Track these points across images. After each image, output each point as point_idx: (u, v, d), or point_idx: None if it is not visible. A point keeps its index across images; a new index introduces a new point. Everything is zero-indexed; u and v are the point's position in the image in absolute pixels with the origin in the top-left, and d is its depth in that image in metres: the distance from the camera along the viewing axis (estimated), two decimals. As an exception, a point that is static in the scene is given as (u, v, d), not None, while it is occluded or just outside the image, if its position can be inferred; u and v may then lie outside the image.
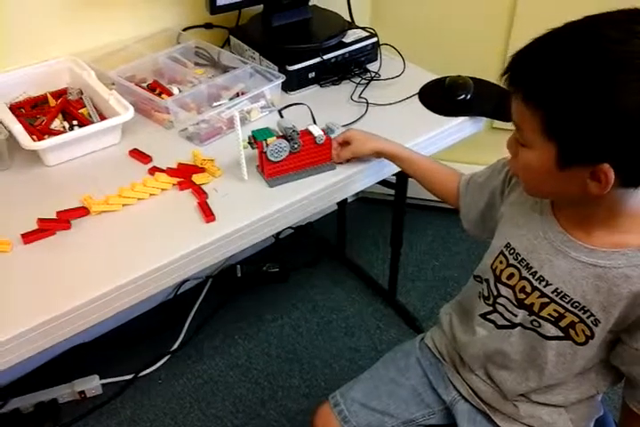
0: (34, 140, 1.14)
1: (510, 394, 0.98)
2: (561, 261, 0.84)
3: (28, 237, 1.01)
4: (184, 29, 1.48)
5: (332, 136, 1.16)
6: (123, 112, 1.19)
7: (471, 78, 1.36)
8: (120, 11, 1.39)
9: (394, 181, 1.62)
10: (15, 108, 1.25)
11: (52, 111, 1.25)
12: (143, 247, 1.01)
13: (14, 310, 0.91)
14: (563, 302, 0.85)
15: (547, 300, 0.87)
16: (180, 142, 1.25)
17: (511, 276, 0.91)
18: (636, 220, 0.79)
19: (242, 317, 1.92)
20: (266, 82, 1.31)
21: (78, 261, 0.99)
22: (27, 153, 1.16)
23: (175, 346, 1.82)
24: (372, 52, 1.47)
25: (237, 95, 1.31)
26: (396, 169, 1.28)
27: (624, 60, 0.66)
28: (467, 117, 1.33)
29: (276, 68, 1.37)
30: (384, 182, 1.46)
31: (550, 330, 0.88)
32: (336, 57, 1.41)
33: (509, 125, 0.83)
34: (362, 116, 1.31)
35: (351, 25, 1.51)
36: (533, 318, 0.89)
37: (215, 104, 1.28)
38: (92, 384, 1.67)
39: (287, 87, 1.38)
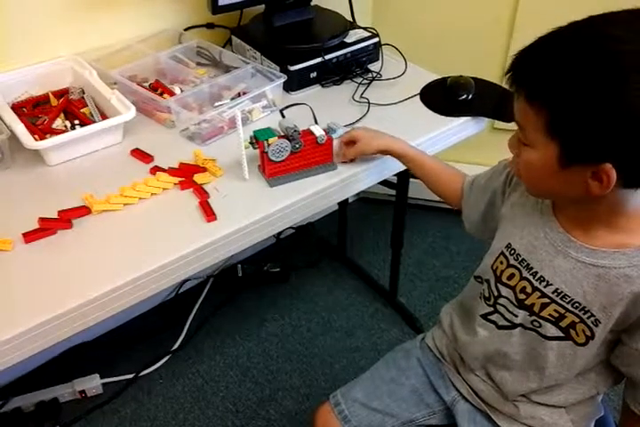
0: (36, 140, 1.14)
1: (511, 394, 0.98)
2: (561, 262, 0.84)
3: (30, 237, 1.01)
4: (186, 29, 1.49)
5: (334, 136, 1.16)
6: (124, 112, 1.19)
7: (473, 78, 1.36)
8: (122, 10, 1.40)
9: (395, 182, 1.62)
10: (17, 108, 1.26)
11: (53, 111, 1.26)
12: (144, 247, 1.01)
13: (15, 310, 0.91)
14: (563, 303, 0.85)
15: (547, 300, 0.87)
16: (182, 142, 1.26)
17: (512, 276, 0.91)
18: (637, 220, 0.79)
19: (242, 316, 1.92)
20: (267, 82, 1.31)
21: (79, 261, 0.99)
22: (28, 152, 1.16)
23: (176, 346, 1.82)
24: (373, 53, 1.47)
25: (239, 95, 1.31)
26: (397, 169, 1.28)
27: (630, 60, 0.65)
28: (468, 118, 1.33)
29: (278, 68, 1.37)
30: (385, 182, 1.46)
31: (551, 330, 0.88)
32: (338, 57, 1.41)
33: (511, 126, 0.83)
34: (363, 116, 1.31)
35: (353, 25, 1.51)
36: (534, 318, 0.89)
37: (217, 104, 1.28)
38: (92, 384, 1.67)
39: (289, 87, 1.38)
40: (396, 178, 1.57)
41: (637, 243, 0.78)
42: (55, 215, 1.05)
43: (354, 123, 1.29)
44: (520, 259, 0.90)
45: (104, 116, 1.25)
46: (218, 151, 1.21)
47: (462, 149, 1.43)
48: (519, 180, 0.92)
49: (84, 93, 1.31)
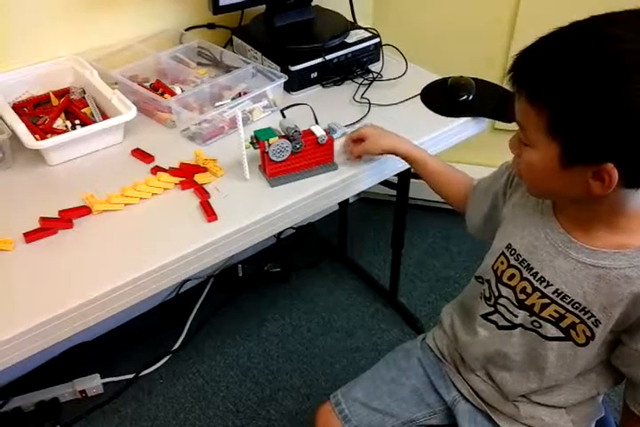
0: (36, 140, 1.14)
1: (511, 395, 0.98)
2: (562, 262, 0.84)
3: (30, 236, 1.01)
4: (187, 29, 1.49)
5: (334, 136, 1.16)
6: (125, 112, 1.19)
7: (473, 79, 1.36)
8: (123, 10, 1.40)
9: (395, 182, 1.62)
10: (18, 108, 1.26)
11: (54, 110, 1.26)
12: (145, 247, 1.01)
13: (15, 309, 0.91)
14: (563, 303, 0.85)
15: (547, 300, 0.87)
16: (183, 142, 1.26)
17: (512, 276, 0.91)
18: (637, 220, 0.79)
19: (243, 316, 1.92)
20: (268, 82, 1.31)
21: (80, 261, 0.99)
22: (29, 152, 1.16)
23: (176, 346, 1.82)
24: (374, 53, 1.47)
25: (240, 95, 1.31)
26: (398, 169, 1.28)
27: (630, 59, 0.66)
28: (469, 118, 1.33)
29: (279, 68, 1.37)
30: (386, 183, 1.46)
31: (551, 331, 0.88)
32: (338, 57, 1.41)
33: (511, 126, 0.83)
34: (364, 117, 1.31)
35: (354, 25, 1.51)
36: (534, 318, 0.89)
37: (217, 104, 1.28)
38: (93, 383, 1.67)
39: (289, 87, 1.38)
40: (396, 178, 1.57)
41: (638, 243, 0.78)
42: (56, 215, 1.05)
43: (354, 123, 1.29)
44: (520, 259, 0.90)
45: (105, 116, 1.26)
46: (218, 151, 1.21)
47: (463, 150, 1.43)
48: (520, 180, 0.92)
49: (84, 93, 1.31)
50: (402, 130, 1.17)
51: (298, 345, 1.85)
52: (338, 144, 1.18)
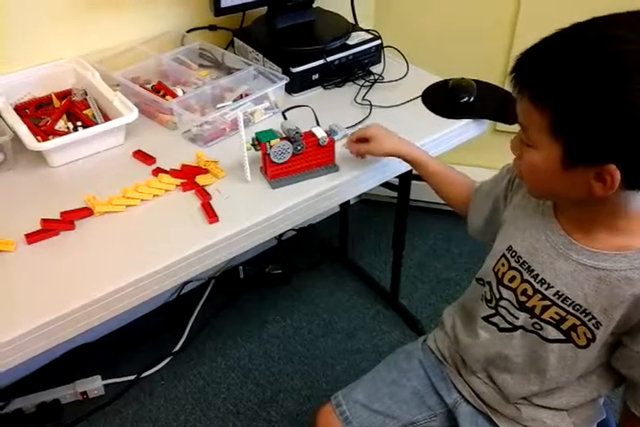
0: (38, 141, 1.14)
1: (512, 397, 0.98)
2: (562, 264, 0.84)
3: (32, 238, 1.01)
4: (188, 31, 1.49)
5: (336, 138, 1.16)
6: (127, 113, 1.20)
7: (474, 81, 1.37)
8: (125, 12, 1.40)
9: (396, 184, 1.62)
10: (20, 109, 1.26)
11: (56, 112, 1.26)
12: (146, 248, 1.01)
13: (18, 311, 0.91)
14: (564, 305, 0.85)
15: (548, 302, 0.87)
16: (184, 144, 1.26)
17: (513, 278, 0.91)
18: (638, 222, 0.79)
19: (244, 318, 1.92)
20: (269, 84, 1.31)
21: (82, 262, 0.99)
22: (31, 154, 1.16)
23: (177, 347, 1.82)
24: (375, 55, 1.48)
25: (241, 97, 1.31)
26: (399, 171, 1.28)
27: (631, 60, 0.66)
28: (470, 120, 1.33)
29: (280, 69, 1.37)
30: (387, 184, 1.46)
31: (552, 333, 0.88)
32: (340, 59, 1.41)
33: (512, 128, 0.83)
34: (365, 118, 1.31)
35: (355, 27, 1.51)
36: (535, 320, 0.89)
37: (219, 106, 1.28)
38: (94, 385, 1.67)
39: (291, 89, 1.38)
40: (397, 180, 1.57)
41: (638, 245, 0.78)
42: (57, 216, 1.05)
43: (356, 125, 1.29)
44: (521, 261, 0.90)
45: (106, 118, 1.26)
46: (220, 153, 1.21)
47: (464, 152, 1.43)
48: (521, 181, 0.92)
49: (86, 95, 1.31)
50: (403, 132, 1.17)
51: (299, 347, 1.85)
52: (339, 146, 1.18)
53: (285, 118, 1.32)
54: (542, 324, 0.88)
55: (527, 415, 0.98)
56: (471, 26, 1.79)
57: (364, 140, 1.15)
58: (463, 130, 1.33)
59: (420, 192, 1.53)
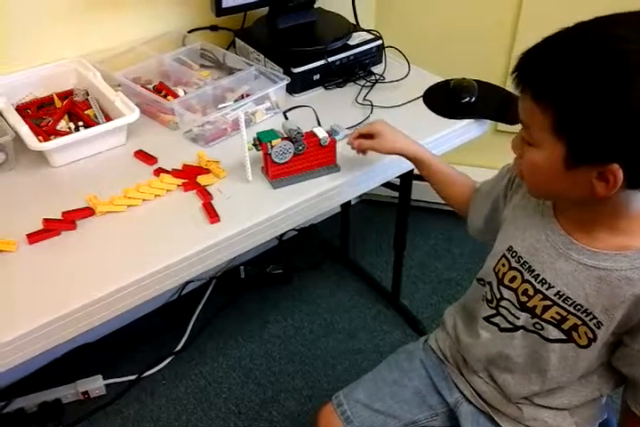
0: (40, 141, 1.14)
1: (513, 397, 0.98)
2: (563, 264, 0.84)
3: (34, 237, 1.01)
4: (190, 31, 1.49)
5: (337, 138, 1.16)
6: (128, 113, 1.20)
7: (476, 81, 1.37)
8: (126, 12, 1.40)
9: (398, 184, 1.62)
10: (21, 109, 1.26)
11: (58, 112, 1.26)
12: (148, 248, 1.01)
13: (19, 311, 0.91)
14: (565, 305, 0.85)
15: (549, 302, 0.87)
16: (185, 144, 1.26)
17: (513, 279, 0.91)
18: (639, 222, 0.79)
19: (245, 318, 1.92)
20: (271, 84, 1.31)
21: (83, 262, 0.99)
22: (33, 154, 1.16)
23: (179, 347, 1.82)
24: (376, 55, 1.48)
25: (242, 97, 1.31)
26: (400, 171, 1.28)
27: (634, 60, 0.66)
28: (471, 120, 1.33)
29: (281, 70, 1.38)
30: (388, 185, 1.46)
31: (553, 333, 0.88)
32: (341, 59, 1.41)
33: (514, 128, 0.83)
34: (366, 119, 1.31)
35: (356, 27, 1.51)
36: (536, 320, 0.89)
37: (220, 106, 1.28)
38: (95, 385, 1.67)
39: (292, 89, 1.38)
40: (398, 180, 1.57)
41: (639, 245, 0.78)
42: (59, 216, 1.05)
43: (357, 125, 1.29)
44: (522, 261, 0.90)
45: (108, 118, 1.26)
46: (221, 153, 1.22)
47: (465, 152, 1.43)
48: (521, 181, 0.92)
49: (88, 95, 1.31)
50: (404, 132, 1.17)
51: (300, 347, 1.85)
52: (340, 146, 1.18)
53: (287, 118, 1.32)
54: (543, 324, 0.88)
55: (529, 415, 0.98)
56: (472, 26, 1.79)
57: (367, 135, 1.14)
58: (464, 130, 1.33)
59: (422, 192, 1.53)
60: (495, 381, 1.00)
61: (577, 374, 0.91)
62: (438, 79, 1.44)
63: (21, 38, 1.29)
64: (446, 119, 1.33)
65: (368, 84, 1.43)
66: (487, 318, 0.97)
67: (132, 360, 1.77)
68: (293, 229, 2.05)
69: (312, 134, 1.14)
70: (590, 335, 0.84)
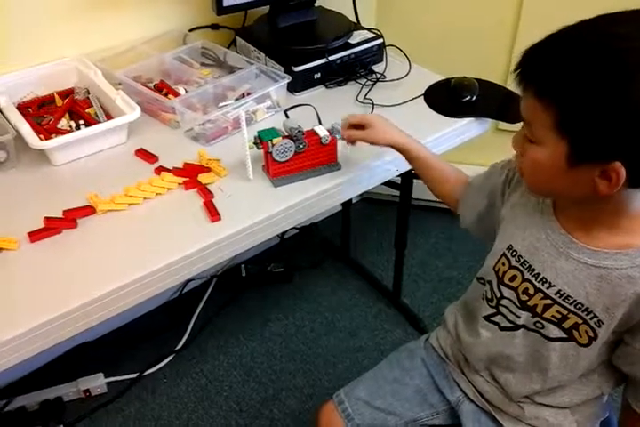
0: (41, 140, 1.14)
1: (515, 396, 0.98)
2: (563, 263, 0.84)
3: (35, 236, 1.02)
4: (190, 30, 1.49)
5: (338, 137, 1.16)
6: (129, 112, 1.20)
7: (476, 80, 1.37)
8: (127, 11, 1.40)
9: (399, 182, 1.62)
10: (22, 108, 1.26)
11: (58, 111, 1.26)
12: (149, 246, 1.02)
13: (19, 309, 0.91)
14: (566, 304, 0.85)
15: (550, 301, 0.87)
16: (186, 142, 1.26)
17: (514, 278, 0.91)
18: (639, 221, 0.79)
19: (246, 316, 1.92)
20: (271, 82, 1.31)
21: (84, 260, 0.99)
22: (34, 152, 1.17)
23: (180, 345, 1.82)
24: (377, 54, 1.48)
25: (243, 96, 1.31)
26: (402, 170, 1.28)
27: (635, 58, 0.66)
28: (472, 119, 1.33)
29: (282, 68, 1.38)
30: (389, 183, 1.46)
31: (553, 332, 0.88)
32: (342, 58, 1.41)
33: (514, 127, 0.83)
34: (367, 117, 1.31)
35: (357, 26, 1.51)
36: (537, 319, 0.89)
37: (221, 104, 1.28)
38: (96, 383, 1.68)
39: (293, 88, 1.38)
40: (399, 179, 1.57)
41: (639, 243, 0.78)
42: (60, 215, 1.05)
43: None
44: (522, 260, 0.89)
45: (109, 117, 1.26)
46: (222, 151, 1.22)
47: (466, 151, 1.43)
48: (521, 178, 0.92)
49: (89, 94, 1.31)
50: (405, 130, 1.17)
51: (301, 345, 1.85)
52: (341, 144, 1.18)
53: (287, 117, 1.32)
54: (544, 322, 0.88)
55: (530, 414, 0.98)
56: (473, 25, 1.78)
57: (358, 126, 1.12)
58: (465, 129, 1.33)
59: (422, 191, 1.52)
60: (496, 380, 1.00)
61: (578, 373, 0.91)
62: (439, 78, 1.44)
63: (22, 37, 1.29)
64: (447, 118, 1.33)
65: (369, 82, 1.43)
66: (487, 317, 0.97)
67: (134, 358, 1.77)
68: (294, 228, 2.05)
69: (313, 133, 1.14)
70: (591, 334, 0.84)
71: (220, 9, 1.32)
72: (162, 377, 1.76)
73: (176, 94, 1.31)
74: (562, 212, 0.86)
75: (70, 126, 1.24)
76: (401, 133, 1.12)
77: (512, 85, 0.77)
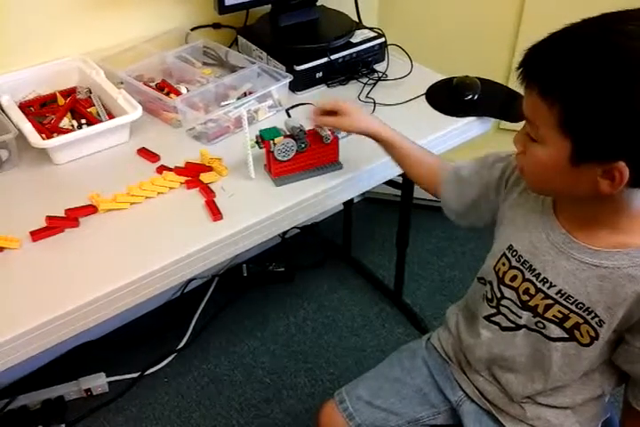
0: (43, 139, 1.14)
1: (516, 396, 0.98)
2: (564, 263, 0.84)
3: (37, 235, 1.02)
4: (192, 29, 1.49)
5: (340, 136, 1.16)
6: (131, 111, 1.20)
7: (478, 79, 1.36)
8: (129, 10, 1.40)
9: (400, 182, 1.62)
10: (24, 107, 1.26)
11: (60, 110, 1.26)
12: (150, 246, 1.02)
13: (21, 308, 0.91)
14: (567, 304, 0.85)
15: (551, 301, 0.86)
16: (188, 141, 1.26)
17: (514, 278, 0.91)
18: (639, 220, 0.79)
19: (247, 316, 1.92)
20: (273, 81, 1.31)
21: (86, 259, 0.99)
22: (36, 151, 1.17)
23: (181, 345, 1.82)
24: (379, 53, 1.48)
25: (245, 95, 1.31)
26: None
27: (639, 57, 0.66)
28: (474, 118, 1.33)
29: (284, 67, 1.38)
30: (390, 182, 1.46)
31: (555, 331, 0.88)
32: (343, 57, 1.41)
33: (516, 126, 0.83)
34: (369, 117, 1.31)
35: (359, 25, 1.51)
36: (538, 319, 0.89)
37: (223, 103, 1.28)
38: (98, 382, 1.68)
39: (294, 87, 1.38)
40: (401, 178, 1.57)
41: (639, 242, 0.78)
42: (62, 214, 1.06)
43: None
44: (522, 260, 0.89)
45: (111, 116, 1.26)
46: (224, 151, 1.22)
47: (467, 150, 1.43)
48: (519, 179, 0.91)
49: (90, 93, 1.32)
50: (407, 129, 1.17)
51: (302, 344, 1.85)
52: (343, 144, 1.18)
53: (289, 116, 1.32)
54: (545, 322, 0.88)
55: (532, 414, 0.98)
56: (475, 24, 1.78)
57: (331, 113, 1.10)
58: (467, 128, 1.33)
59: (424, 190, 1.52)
60: (498, 380, 1.00)
61: (579, 373, 0.91)
62: (441, 77, 1.44)
63: (24, 36, 1.29)
64: (449, 117, 1.33)
65: (371, 81, 1.43)
66: (488, 318, 0.97)
67: (135, 358, 1.77)
68: (296, 227, 2.05)
69: (315, 132, 1.13)
70: (592, 334, 0.84)
71: (222, 8, 1.32)
72: (163, 377, 1.76)
73: (178, 93, 1.31)
74: (561, 211, 0.86)
75: (72, 125, 1.24)
76: (374, 121, 1.10)
77: (514, 84, 0.77)
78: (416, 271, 2.06)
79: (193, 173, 1.15)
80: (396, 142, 1.09)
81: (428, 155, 1.12)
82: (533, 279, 0.88)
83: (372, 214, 2.26)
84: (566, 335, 0.87)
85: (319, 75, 1.40)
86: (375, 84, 1.43)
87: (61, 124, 1.24)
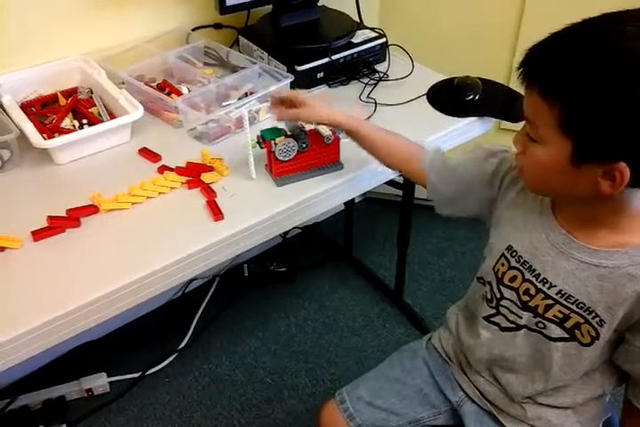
0: (44, 139, 1.14)
1: (517, 397, 0.97)
2: (564, 263, 0.84)
3: (38, 235, 1.02)
4: (193, 29, 1.49)
5: (341, 136, 1.16)
6: (132, 111, 1.20)
7: (479, 79, 1.36)
8: (130, 10, 1.40)
9: (401, 182, 1.62)
10: (26, 107, 1.26)
11: (62, 110, 1.26)
12: (151, 245, 1.02)
13: (22, 307, 0.91)
14: (567, 304, 0.85)
15: (551, 301, 0.86)
16: (189, 141, 1.26)
17: (514, 278, 0.91)
18: (638, 220, 0.79)
19: (248, 316, 1.92)
20: (274, 82, 1.31)
21: (87, 259, 1.00)
22: (37, 151, 1.17)
23: (182, 345, 1.82)
24: (380, 53, 1.48)
25: (246, 95, 1.31)
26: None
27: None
28: (475, 118, 1.33)
29: (285, 68, 1.38)
30: (391, 182, 1.45)
31: (555, 331, 0.88)
32: (345, 57, 1.41)
33: (517, 126, 0.82)
34: (370, 117, 1.32)
35: (360, 25, 1.51)
36: (538, 319, 0.89)
37: (224, 104, 1.28)
38: (99, 382, 1.68)
39: (296, 87, 1.38)
40: (402, 178, 1.57)
41: (638, 241, 0.78)
42: (64, 214, 1.06)
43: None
44: (522, 261, 0.89)
45: (112, 116, 1.26)
46: (225, 151, 1.22)
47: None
48: (516, 179, 0.91)
49: (92, 93, 1.32)
50: (408, 129, 1.17)
51: (303, 344, 1.85)
52: (344, 144, 1.18)
53: (290, 116, 1.32)
54: (546, 323, 0.88)
55: (532, 414, 0.98)
56: (476, 24, 1.78)
57: (291, 106, 1.10)
58: (468, 128, 1.33)
59: (425, 190, 1.52)
60: (498, 381, 1.00)
61: (580, 373, 0.91)
62: (442, 77, 1.44)
63: (26, 36, 1.29)
64: (450, 117, 1.33)
65: (372, 81, 1.43)
66: (487, 318, 0.97)
67: (136, 358, 1.77)
68: (297, 227, 2.05)
69: (316, 132, 1.13)
70: (593, 334, 0.84)
71: (223, 8, 1.32)
72: (164, 377, 1.76)
73: (179, 94, 1.31)
74: (560, 211, 0.86)
75: (73, 125, 1.24)
76: (336, 111, 1.09)
77: (515, 85, 0.77)
78: (417, 271, 2.07)
79: (194, 173, 1.15)
80: (361, 130, 1.08)
81: (403, 144, 1.09)
82: (533, 280, 0.88)
83: (372, 214, 2.26)
84: (567, 335, 0.87)
85: (320, 75, 1.40)
86: (376, 84, 1.43)
87: (63, 125, 1.24)
